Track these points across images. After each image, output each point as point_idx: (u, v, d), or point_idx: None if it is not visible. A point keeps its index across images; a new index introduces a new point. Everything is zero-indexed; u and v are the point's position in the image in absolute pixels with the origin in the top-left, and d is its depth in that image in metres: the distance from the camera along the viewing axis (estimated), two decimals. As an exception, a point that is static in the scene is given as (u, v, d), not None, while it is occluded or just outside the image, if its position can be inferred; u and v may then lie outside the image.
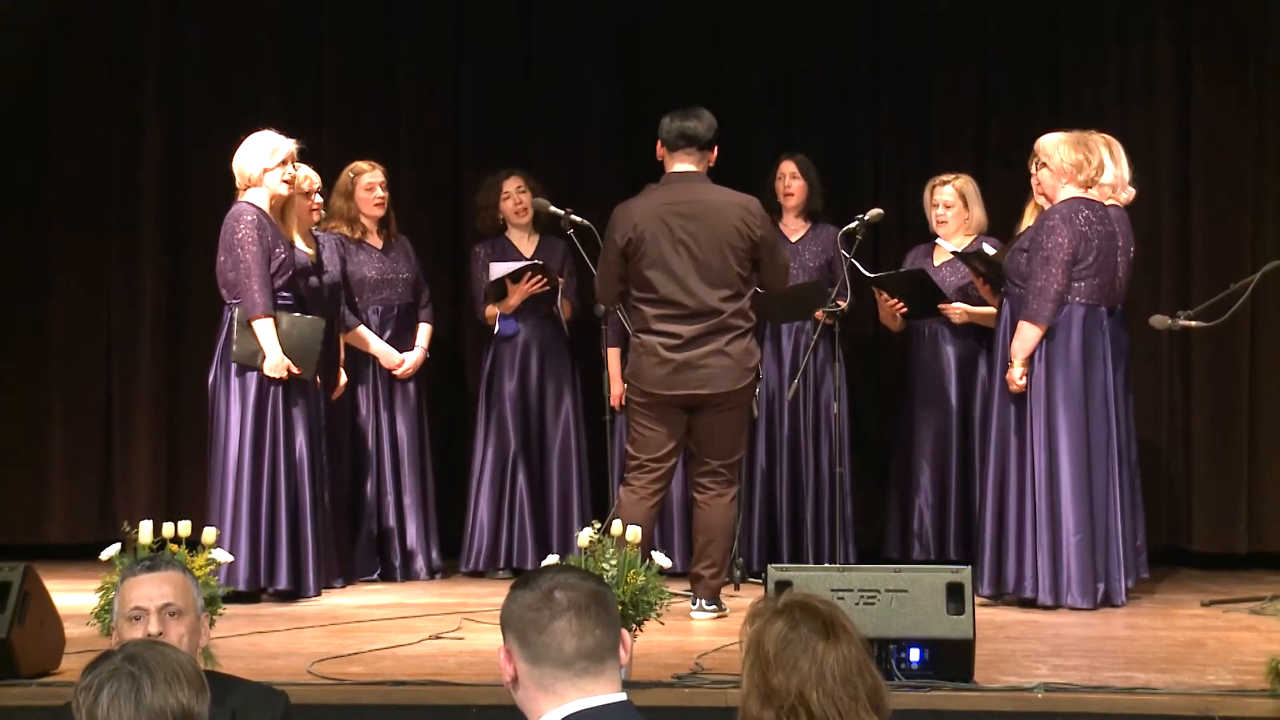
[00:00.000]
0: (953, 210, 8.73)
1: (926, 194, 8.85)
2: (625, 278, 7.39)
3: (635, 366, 7.43)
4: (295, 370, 7.92)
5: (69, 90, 9.91)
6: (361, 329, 8.80)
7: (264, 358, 7.87)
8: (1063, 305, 7.63)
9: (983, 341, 8.52)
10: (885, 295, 8.74)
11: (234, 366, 7.90)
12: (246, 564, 7.79)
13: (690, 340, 7.28)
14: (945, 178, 8.83)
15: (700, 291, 7.28)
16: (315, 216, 8.54)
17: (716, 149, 7.44)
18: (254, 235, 7.85)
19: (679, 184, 7.37)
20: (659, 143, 7.44)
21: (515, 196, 9.02)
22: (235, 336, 7.90)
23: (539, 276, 8.86)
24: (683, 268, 7.27)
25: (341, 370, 8.69)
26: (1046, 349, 7.63)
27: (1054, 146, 7.72)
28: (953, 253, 8.55)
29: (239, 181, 8.02)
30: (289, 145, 8.02)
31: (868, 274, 8.66)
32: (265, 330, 7.87)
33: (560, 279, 8.93)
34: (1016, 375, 7.63)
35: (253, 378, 7.89)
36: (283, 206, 8.11)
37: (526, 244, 9.12)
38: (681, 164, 7.40)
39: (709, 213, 7.32)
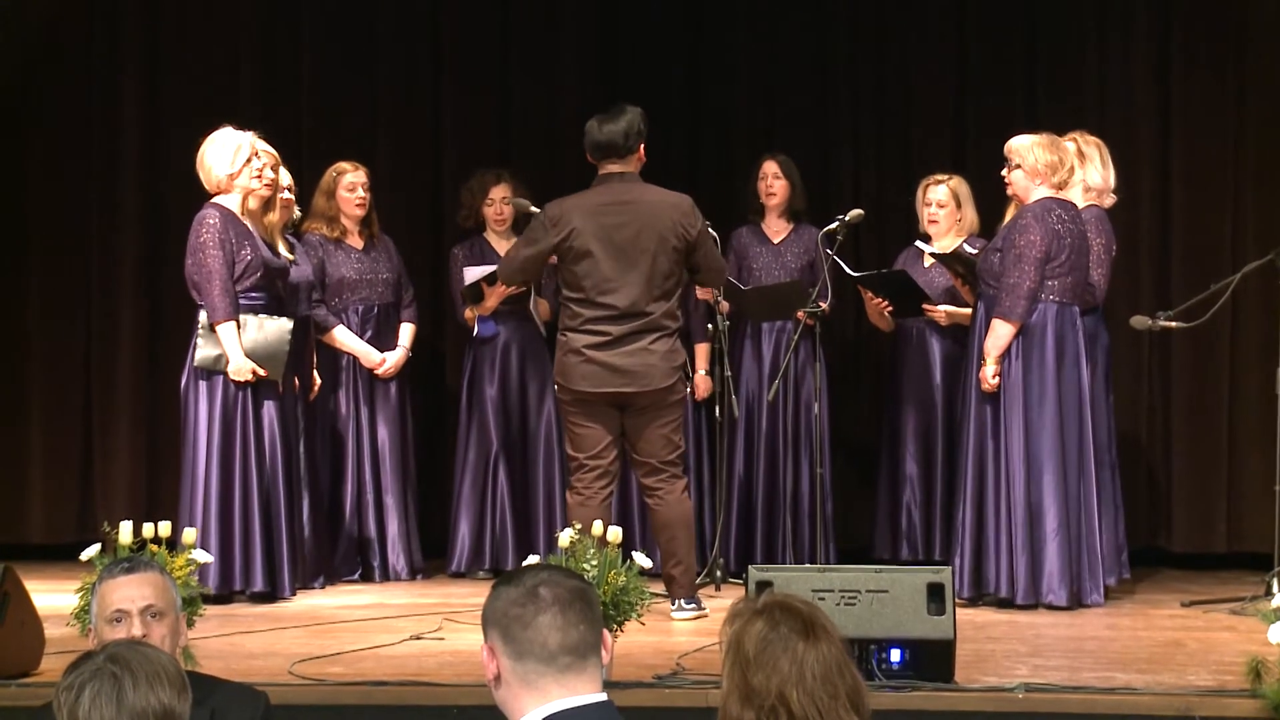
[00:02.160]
0: (945, 210, 8.72)
1: (919, 193, 8.83)
2: (535, 271, 7.71)
3: (560, 365, 7.45)
4: (261, 373, 7.88)
5: (47, 92, 9.89)
6: (339, 329, 8.78)
7: (227, 362, 7.84)
8: (1036, 303, 7.64)
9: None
10: (870, 294, 8.75)
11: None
12: (216, 566, 7.76)
13: (617, 339, 7.31)
14: (939, 177, 8.81)
15: (630, 292, 7.31)
16: (287, 215, 8.52)
17: (642, 147, 7.45)
18: (215, 239, 7.83)
19: (613, 184, 7.42)
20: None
21: (498, 205, 9.01)
22: (199, 341, 7.89)
23: None
24: (613, 268, 7.30)
25: (314, 372, 8.67)
26: (1020, 347, 7.64)
27: (1028, 148, 7.74)
28: (931, 255, 8.56)
29: (208, 186, 8.00)
30: (249, 140, 7.99)
31: (851, 273, 8.66)
32: (227, 334, 7.84)
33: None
34: (989, 373, 7.64)
35: (222, 381, 7.86)
36: (264, 203, 8.10)
37: (504, 247, 9.10)
38: (608, 167, 7.44)
39: (641, 213, 7.35)
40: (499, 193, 9.03)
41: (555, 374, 7.53)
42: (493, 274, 8.81)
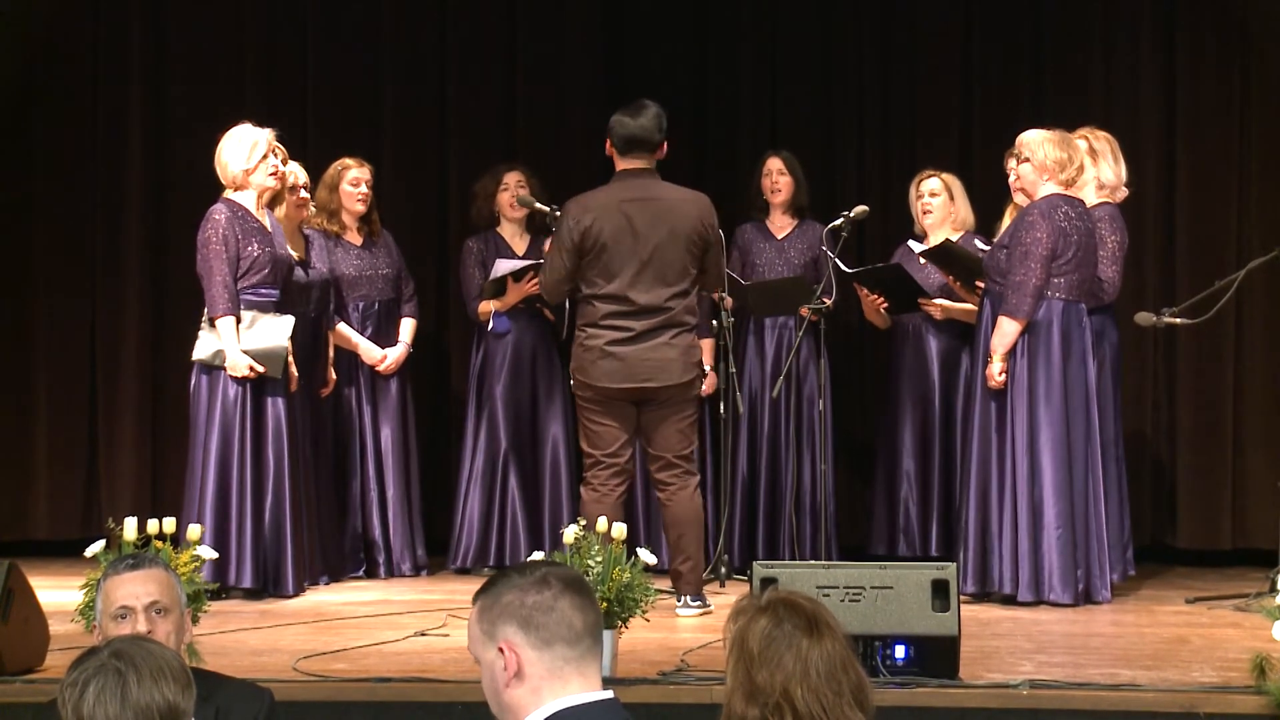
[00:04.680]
0: (939, 199, 8.73)
1: (912, 188, 8.85)
2: (575, 274, 7.37)
3: (580, 362, 7.41)
4: (259, 369, 7.88)
5: (53, 86, 9.90)
6: (342, 326, 8.78)
7: (225, 357, 7.84)
8: (1042, 300, 7.63)
9: (966, 337, 8.53)
10: (866, 290, 8.75)
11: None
12: (210, 562, 7.72)
13: (639, 335, 7.30)
14: (931, 172, 8.84)
15: (651, 288, 7.29)
16: (304, 213, 8.53)
17: (665, 143, 7.43)
18: (218, 235, 7.84)
19: (633, 180, 7.38)
20: (608, 141, 7.45)
21: (514, 190, 8.96)
22: (200, 335, 7.89)
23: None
24: (635, 264, 7.28)
25: (330, 368, 8.67)
26: (1027, 345, 7.64)
27: (1038, 143, 7.73)
28: (923, 254, 8.55)
29: (224, 180, 8.00)
30: (266, 136, 7.99)
31: (847, 270, 8.66)
32: (225, 329, 7.83)
33: None
34: (995, 371, 7.64)
35: (224, 377, 7.85)
36: (272, 197, 8.10)
37: (519, 242, 9.08)
38: (632, 163, 7.40)
39: (665, 209, 7.34)
40: (513, 178, 8.99)
41: (573, 370, 7.49)
42: (521, 270, 8.77)
